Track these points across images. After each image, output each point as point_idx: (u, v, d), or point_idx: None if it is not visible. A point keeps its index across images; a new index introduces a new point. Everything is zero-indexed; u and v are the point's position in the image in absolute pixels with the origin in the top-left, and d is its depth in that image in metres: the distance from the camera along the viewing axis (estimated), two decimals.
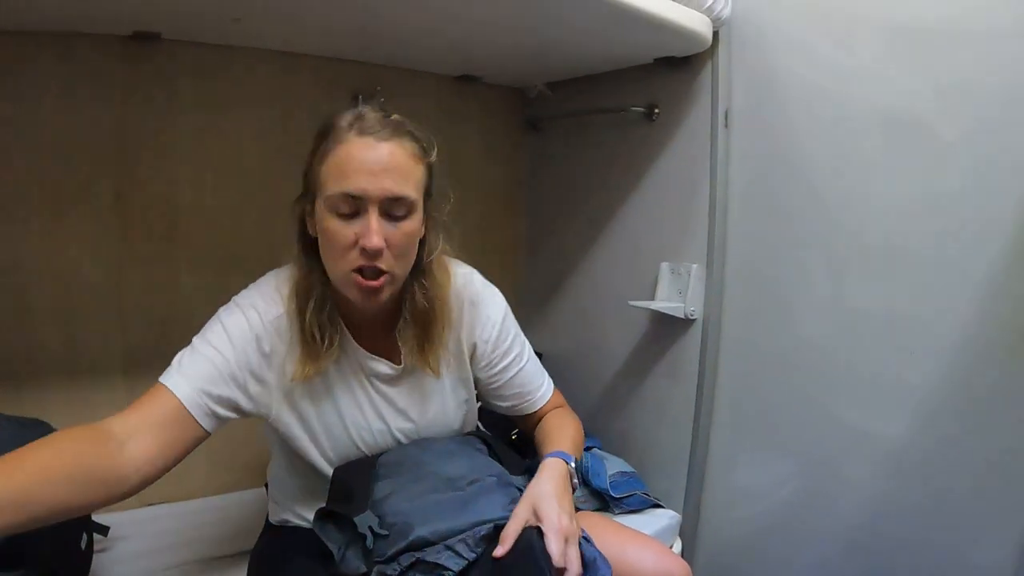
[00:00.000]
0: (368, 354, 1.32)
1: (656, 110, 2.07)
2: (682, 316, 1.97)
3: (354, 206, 1.15)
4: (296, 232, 1.29)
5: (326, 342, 1.24)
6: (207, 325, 1.25)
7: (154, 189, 1.82)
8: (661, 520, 1.98)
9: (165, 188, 1.84)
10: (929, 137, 1.57)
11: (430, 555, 1.10)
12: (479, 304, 1.40)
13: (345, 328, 1.30)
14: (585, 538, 1.13)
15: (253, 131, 1.95)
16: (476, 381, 1.46)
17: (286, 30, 1.77)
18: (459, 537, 1.12)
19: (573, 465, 1.30)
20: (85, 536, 1.42)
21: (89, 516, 1.47)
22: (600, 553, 1.12)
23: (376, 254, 1.15)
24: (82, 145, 1.71)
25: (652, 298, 2.05)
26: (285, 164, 1.97)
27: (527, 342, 1.24)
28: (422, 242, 1.27)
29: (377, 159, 1.14)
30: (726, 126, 1.92)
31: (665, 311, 1.99)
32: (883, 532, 1.70)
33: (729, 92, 1.92)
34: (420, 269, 1.30)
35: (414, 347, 1.32)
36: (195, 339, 1.24)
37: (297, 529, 1.43)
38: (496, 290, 1.45)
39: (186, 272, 1.88)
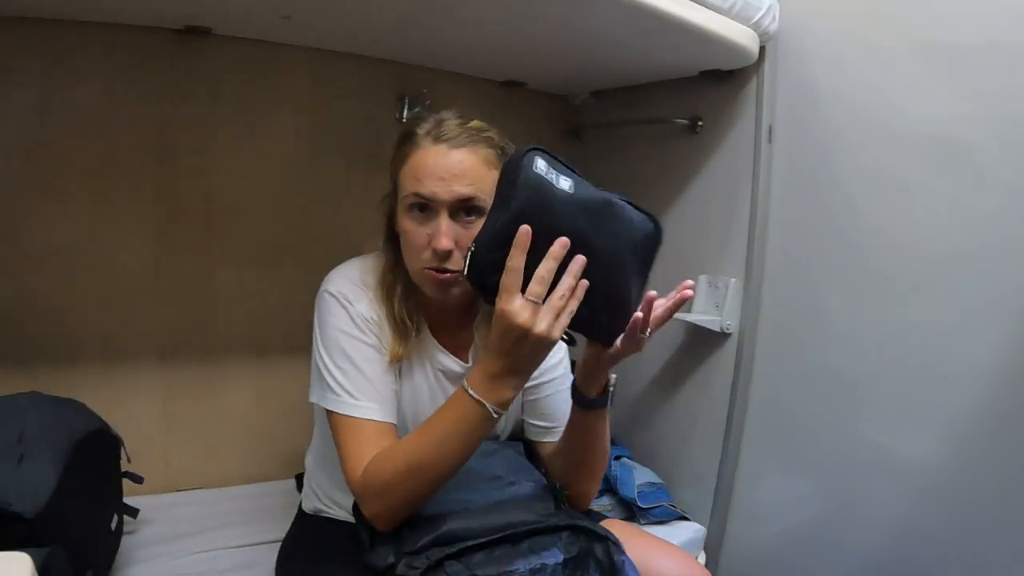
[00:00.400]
0: (440, 347, 1.36)
1: (700, 122, 2.07)
2: (718, 330, 1.96)
3: (427, 208, 1.20)
4: (384, 226, 1.34)
5: (413, 327, 1.29)
6: (327, 335, 1.26)
7: (195, 181, 1.85)
8: (686, 532, 1.97)
9: (205, 181, 1.87)
10: (968, 157, 1.55)
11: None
12: None
13: (423, 319, 1.33)
14: (614, 543, 1.13)
15: (294, 129, 1.98)
16: None
17: (334, 29, 1.79)
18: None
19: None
20: (116, 517, 1.44)
21: (120, 497, 1.50)
22: (629, 558, 1.13)
23: (446, 255, 1.19)
24: (126, 135, 1.74)
25: (688, 310, 2.04)
26: (324, 162, 2.02)
27: (571, 376, 1.26)
28: None
29: (447, 166, 1.19)
30: (769, 141, 1.91)
31: (701, 324, 1.98)
32: (908, 554, 1.67)
33: (773, 107, 1.91)
34: None
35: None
36: (331, 355, 1.25)
37: (330, 520, 1.45)
38: None
39: (223, 264, 1.91)
